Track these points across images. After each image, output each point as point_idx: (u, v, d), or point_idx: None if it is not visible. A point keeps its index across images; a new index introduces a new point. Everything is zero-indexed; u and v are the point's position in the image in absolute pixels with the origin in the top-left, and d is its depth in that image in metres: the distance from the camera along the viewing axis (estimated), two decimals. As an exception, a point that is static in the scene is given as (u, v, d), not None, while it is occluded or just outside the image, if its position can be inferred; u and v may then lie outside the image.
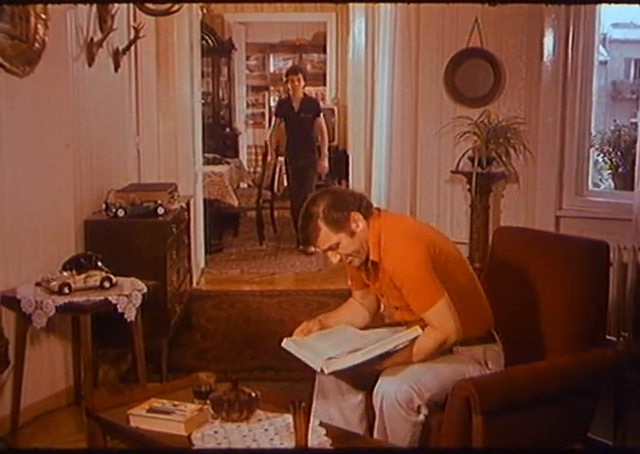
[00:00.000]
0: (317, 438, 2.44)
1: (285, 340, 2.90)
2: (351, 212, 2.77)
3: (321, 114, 7.60)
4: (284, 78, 7.76)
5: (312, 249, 2.77)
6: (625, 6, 4.37)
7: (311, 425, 2.38)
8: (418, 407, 2.68)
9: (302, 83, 7.49)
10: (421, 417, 2.70)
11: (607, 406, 3.03)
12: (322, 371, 2.67)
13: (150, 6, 4.65)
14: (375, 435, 2.76)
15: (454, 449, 2.68)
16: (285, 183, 8.26)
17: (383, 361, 2.75)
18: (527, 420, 2.81)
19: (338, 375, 2.76)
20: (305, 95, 7.60)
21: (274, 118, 8.04)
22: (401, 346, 2.73)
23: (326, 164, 7.66)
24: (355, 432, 2.76)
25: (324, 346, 2.77)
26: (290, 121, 7.61)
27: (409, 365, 2.76)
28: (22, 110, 3.61)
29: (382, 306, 3.13)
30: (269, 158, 8.14)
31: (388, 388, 2.69)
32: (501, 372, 2.85)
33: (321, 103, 8.42)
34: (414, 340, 2.75)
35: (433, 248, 2.77)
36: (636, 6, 4.02)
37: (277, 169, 8.55)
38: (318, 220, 2.75)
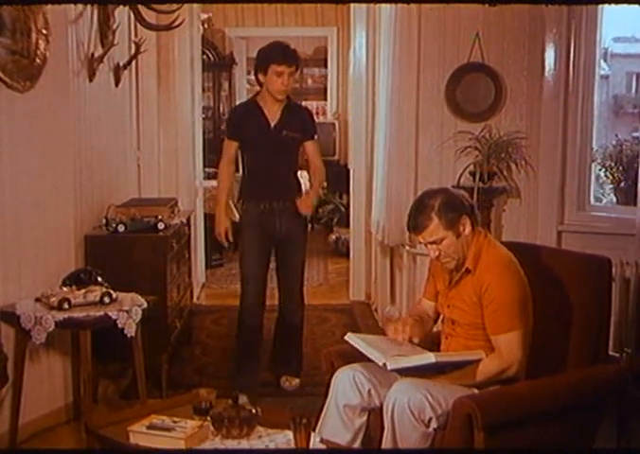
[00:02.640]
0: (318, 455, 2.43)
1: (349, 334, 3.00)
2: (463, 215, 2.84)
3: (315, 136, 4.29)
4: (259, 68, 4.09)
5: (421, 239, 2.75)
6: (626, 7, 4.33)
7: (311, 441, 2.36)
8: (429, 419, 2.68)
9: (292, 81, 4.11)
10: (430, 430, 2.69)
11: (610, 422, 3.01)
12: (385, 365, 2.73)
13: (151, 21, 4.66)
14: (383, 447, 2.74)
15: (454, 450, 2.66)
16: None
17: (442, 375, 2.80)
18: (529, 436, 2.80)
19: (400, 372, 2.81)
20: (289, 99, 4.20)
21: (225, 142, 4.29)
22: (461, 364, 2.82)
23: (312, 202, 4.25)
24: (356, 449, 2.77)
25: (388, 346, 2.86)
26: (260, 145, 4.16)
27: (426, 377, 2.80)
28: (22, 125, 3.61)
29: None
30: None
31: (401, 394, 2.70)
32: (502, 388, 2.83)
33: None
34: (475, 363, 2.81)
35: (526, 287, 2.86)
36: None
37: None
38: (432, 213, 2.81)
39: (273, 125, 4.14)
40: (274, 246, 4.23)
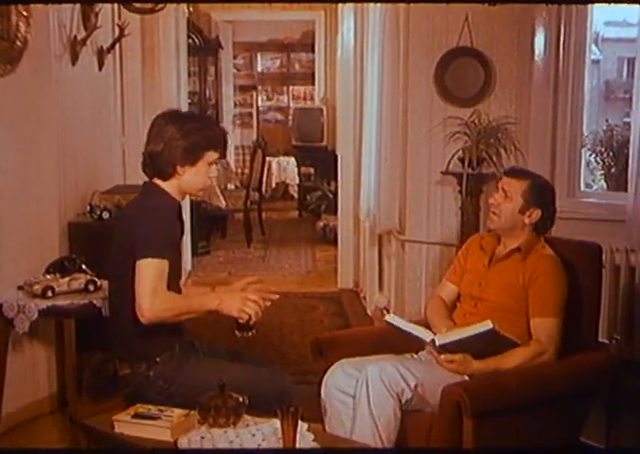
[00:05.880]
0: (305, 443, 2.40)
1: (390, 314, 3.23)
2: (539, 207, 3.00)
3: None
4: (188, 155, 2.78)
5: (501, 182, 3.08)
6: (624, 5, 4.32)
7: (298, 430, 2.33)
8: (402, 391, 2.73)
9: None
10: (403, 402, 2.74)
11: (600, 409, 3.00)
12: (433, 341, 2.82)
13: (135, 4, 4.59)
14: (357, 424, 2.75)
15: (454, 450, 2.66)
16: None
17: (481, 359, 2.82)
18: (519, 424, 2.80)
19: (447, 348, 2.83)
20: None
21: (154, 263, 2.67)
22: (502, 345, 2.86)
23: None
24: (343, 437, 2.74)
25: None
26: (175, 260, 2.86)
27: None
28: (3, 110, 3.55)
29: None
30: None
31: (374, 367, 2.76)
32: (491, 375, 2.82)
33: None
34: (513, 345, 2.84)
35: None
36: (629, 4, 3.98)
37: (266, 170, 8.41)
38: (529, 180, 3.01)
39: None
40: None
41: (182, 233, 2.93)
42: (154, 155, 2.78)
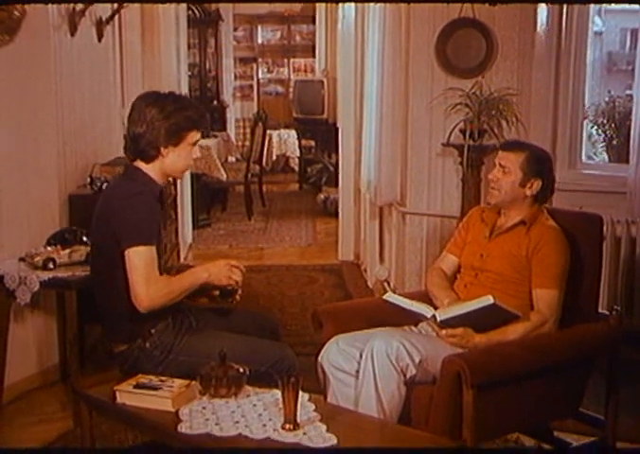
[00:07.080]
0: (306, 413, 2.41)
1: (388, 292, 3.22)
2: (539, 178, 2.99)
3: None
4: (171, 136, 2.81)
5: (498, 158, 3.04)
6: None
7: (299, 400, 2.34)
8: (407, 366, 2.72)
9: None
10: (407, 377, 2.73)
11: (599, 380, 3.01)
12: (434, 317, 2.82)
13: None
14: (361, 398, 2.75)
15: (454, 449, 2.66)
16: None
17: (483, 333, 2.82)
18: (519, 394, 2.80)
19: (449, 324, 2.82)
20: None
21: (143, 250, 2.70)
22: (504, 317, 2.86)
23: None
24: (343, 407, 2.75)
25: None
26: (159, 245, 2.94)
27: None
28: (2, 80, 3.52)
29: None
30: None
31: (379, 342, 2.75)
32: (492, 346, 2.82)
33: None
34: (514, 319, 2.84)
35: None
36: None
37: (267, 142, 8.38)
38: (527, 152, 3.00)
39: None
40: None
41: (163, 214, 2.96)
42: (137, 137, 2.79)
